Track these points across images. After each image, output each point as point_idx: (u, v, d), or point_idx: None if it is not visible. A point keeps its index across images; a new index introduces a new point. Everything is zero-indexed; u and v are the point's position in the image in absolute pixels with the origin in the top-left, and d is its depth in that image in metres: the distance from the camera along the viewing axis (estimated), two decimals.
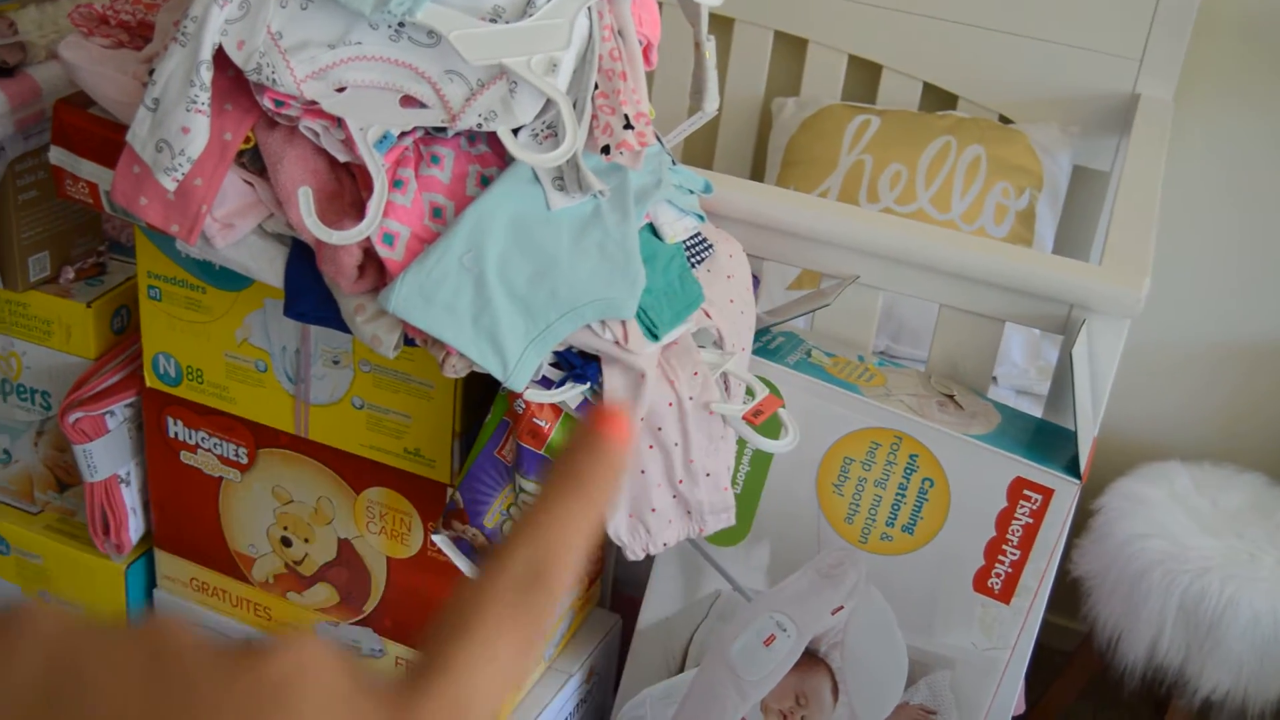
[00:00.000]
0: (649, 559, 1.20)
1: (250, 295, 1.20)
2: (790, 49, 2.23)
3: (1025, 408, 1.59)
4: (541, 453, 1.06)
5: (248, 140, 1.01)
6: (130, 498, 1.35)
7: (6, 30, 1.21)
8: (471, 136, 1.03)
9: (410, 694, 0.32)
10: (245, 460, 1.29)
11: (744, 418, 1.12)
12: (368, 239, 0.98)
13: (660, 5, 1.13)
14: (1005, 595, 1.22)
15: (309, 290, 1.06)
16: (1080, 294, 1.23)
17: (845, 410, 1.24)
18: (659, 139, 1.15)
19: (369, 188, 0.97)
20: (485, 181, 1.02)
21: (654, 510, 1.10)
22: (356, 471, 1.24)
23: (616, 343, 1.03)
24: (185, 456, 1.31)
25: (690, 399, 1.08)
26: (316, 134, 0.99)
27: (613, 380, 1.05)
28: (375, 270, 1.01)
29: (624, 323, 1.03)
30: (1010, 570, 1.21)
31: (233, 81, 1.00)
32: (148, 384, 1.29)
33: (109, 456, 1.31)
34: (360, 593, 1.30)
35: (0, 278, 1.30)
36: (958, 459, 1.22)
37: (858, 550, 1.26)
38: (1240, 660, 1.70)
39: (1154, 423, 2.21)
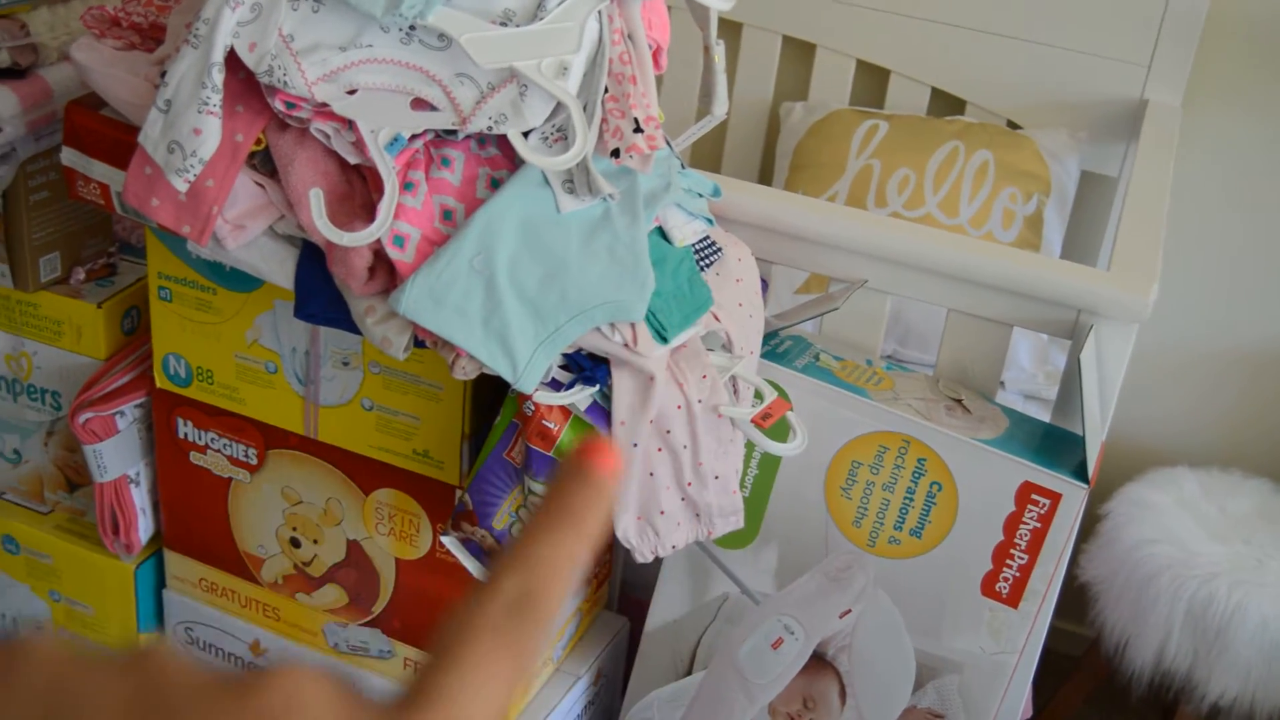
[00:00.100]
0: (657, 561, 1.21)
1: (260, 297, 1.20)
2: (798, 53, 2.23)
3: (1033, 412, 1.59)
4: (550, 454, 1.06)
5: (259, 142, 1.02)
6: (140, 498, 1.35)
7: (18, 32, 1.22)
8: (482, 139, 1.03)
9: (402, 718, 0.32)
10: (255, 461, 1.29)
11: (752, 421, 1.12)
12: (378, 241, 0.98)
13: (669, 9, 1.13)
14: (1013, 599, 1.22)
15: (319, 292, 1.06)
16: (1088, 299, 1.23)
17: (853, 414, 1.24)
18: (668, 143, 1.15)
19: (379, 190, 0.98)
20: (495, 184, 1.02)
21: (663, 513, 1.10)
22: (366, 473, 1.24)
23: (626, 345, 1.03)
24: (195, 457, 1.32)
25: (699, 402, 1.08)
26: (327, 136, 1.00)
27: (622, 383, 1.05)
28: (385, 272, 1.01)
29: (633, 325, 1.04)
30: (1018, 574, 1.21)
31: (244, 83, 1.00)
32: (158, 385, 1.29)
33: (119, 457, 1.31)
34: (369, 594, 1.30)
35: (11, 278, 1.30)
36: (966, 463, 1.22)
37: (866, 554, 1.26)
38: (1248, 665, 1.70)
39: (1161, 428, 2.21)
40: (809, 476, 1.27)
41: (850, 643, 1.27)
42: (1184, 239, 2.07)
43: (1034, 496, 1.20)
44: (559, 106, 0.99)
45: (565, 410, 1.06)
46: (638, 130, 1.00)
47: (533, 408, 1.06)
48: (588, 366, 1.06)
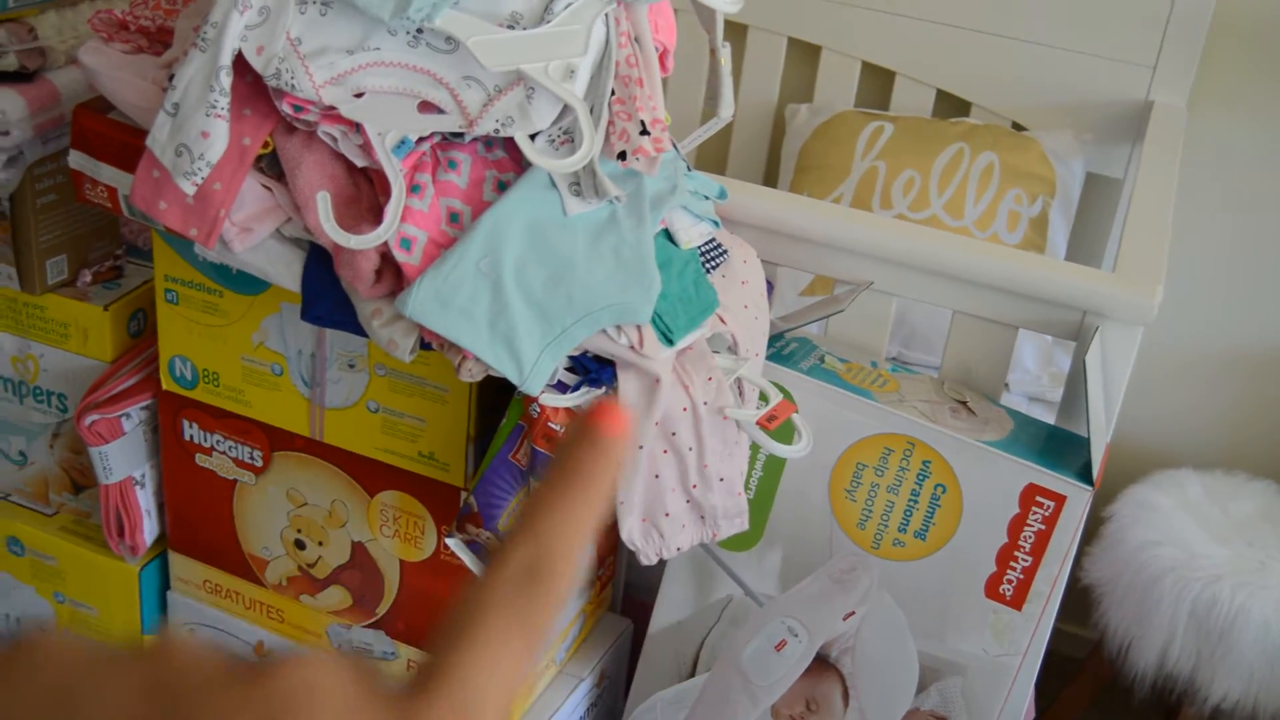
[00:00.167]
0: (661, 563, 1.21)
1: (266, 299, 1.20)
2: (803, 55, 2.23)
3: (1037, 414, 1.59)
4: None
5: (266, 145, 1.02)
6: (145, 500, 1.35)
7: (26, 35, 1.22)
8: (489, 142, 1.03)
9: (416, 700, 0.31)
10: (260, 463, 1.29)
11: (758, 423, 1.12)
12: (385, 244, 0.98)
13: (675, 11, 1.13)
14: (1017, 601, 1.22)
15: (326, 294, 1.07)
16: (1094, 301, 1.23)
17: (858, 416, 1.25)
18: (674, 145, 1.15)
19: (386, 193, 0.98)
20: (502, 187, 1.02)
21: (668, 515, 1.10)
22: (370, 475, 1.24)
23: (632, 347, 1.04)
24: (200, 459, 1.32)
25: (705, 404, 1.08)
26: (334, 139, 1.00)
27: (628, 385, 1.05)
28: (392, 275, 1.02)
29: (639, 328, 1.04)
30: (1022, 576, 1.21)
31: (251, 87, 1.00)
32: (164, 387, 1.30)
33: (124, 459, 1.32)
34: (373, 596, 1.30)
35: (18, 280, 1.31)
36: (970, 465, 1.22)
37: (870, 556, 1.26)
38: (1251, 668, 1.70)
39: (1165, 430, 2.21)
40: (813, 478, 1.27)
41: (854, 645, 1.28)
42: (1189, 240, 2.07)
43: (1038, 499, 1.20)
44: (566, 109, 0.99)
45: (571, 412, 1.07)
46: (644, 133, 1.00)
47: (539, 410, 1.06)
48: (594, 369, 1.06)
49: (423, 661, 0.33)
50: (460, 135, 1.01)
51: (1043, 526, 1.20)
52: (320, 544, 1.31)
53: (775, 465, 1.27)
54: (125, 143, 1.09)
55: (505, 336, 0.99)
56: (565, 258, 1.01)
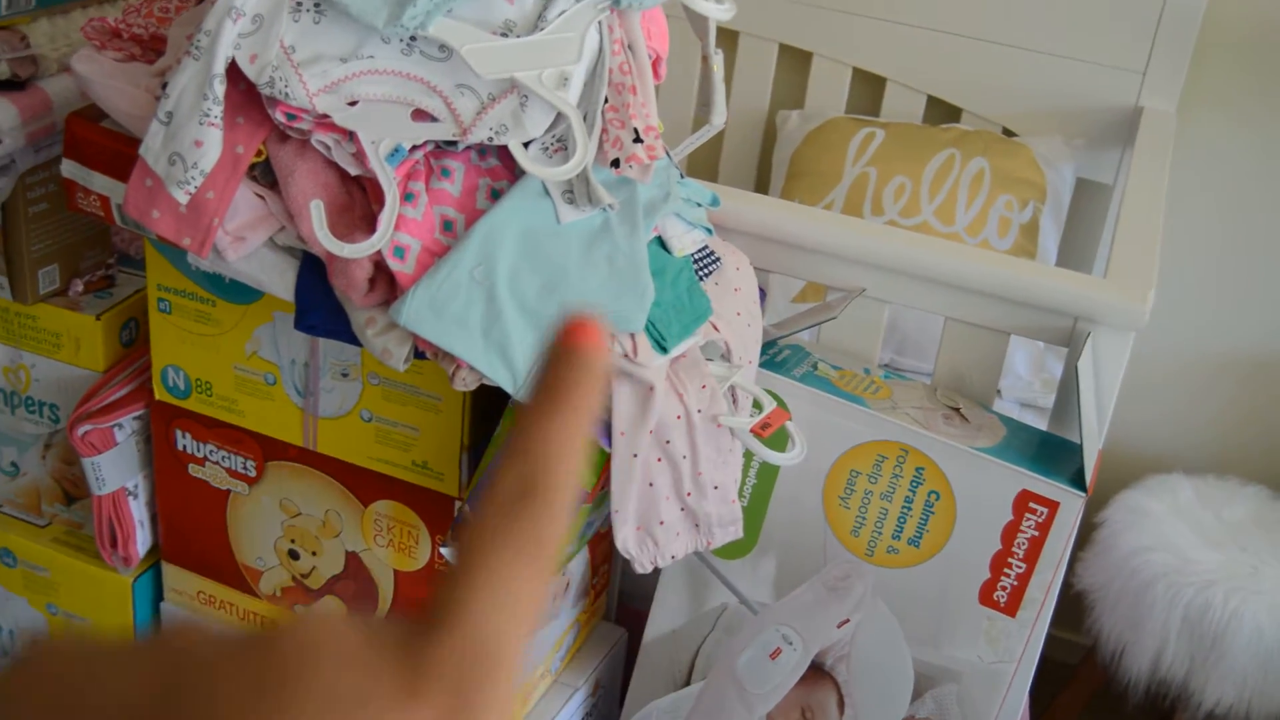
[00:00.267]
0: (655, 572, 1.21)
1: (260, 308, 1.20)
2: (794, 62, 2.24)
3: (1029, 420, 1.59)
4: None
5: (259, 153, 1.02)
6: (138, 510, 1.35)
7: (18, 43, 1.22)
8: (482, 150, 1.03)
9: (422, 645, 0.30)
10: (253, 473, 1.29)
11: (752, 430, 1.12)
12: (379, 252, 0.98)
13: (668, 18, 1.13)
14: (1011, 608, 1.22)
15: (320, 303, 1.06)
16: (1085, 307, 1.24)
17: (852, 423, 1.25)
18: (667, 153, 1.15)
19: (380, 201, 0.98)
20: (495, 195, 1.02)
21: (662, 523, 1.10)
22: (364, 484, 1.24)
23: (625, 355, 1.04)
24: (193, 469, 1.31)
25: (699, 412, 1.08)
26: (328, 147, 1.00)
27: (621, 393, 1.05)
28: (386, 283, 1.01)
29: (633, 335, 1.04)
30: (1016, 583, 1.22)
31: (245, 95, 1.00)
32: (156, 397, 1.29)
33: (117, 469, 1.31)
34: (367, 605, 1.30)
35: (10, 290, 1.30)
36: (964, 472, 1.22)
37: (864, 563, 1.26)
38: (1244, 673, 1.70)
39: (1157, 435, 2.22)
40: (807, 486, 1.27)
41: (848, 652, 1.28)
42: (1179, 246, 2.08)
43: (1032, 505, 1.20)
44: (559, 117, 0.99)
45: None
46: (637, 140, 1.00)
47: None
48: None
49: (428, 603, 0.31)
50: (454, 143, 1.01)
51: (1036, 533, 1.20)
52: (314, 554, 1.30)
53: (769, 473, 1.27)
54: (118, 151, 1.09)
55: (499, 345, 0.99)
56: (559, 266, 1.01)
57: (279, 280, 1.07)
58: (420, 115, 0.99)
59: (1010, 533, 1.21)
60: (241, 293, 1.19)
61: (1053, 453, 1.26)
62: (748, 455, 1.21)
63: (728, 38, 2.22)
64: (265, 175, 1.04)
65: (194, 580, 1.38)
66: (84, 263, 1.35)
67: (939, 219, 1.95)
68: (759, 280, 1.25)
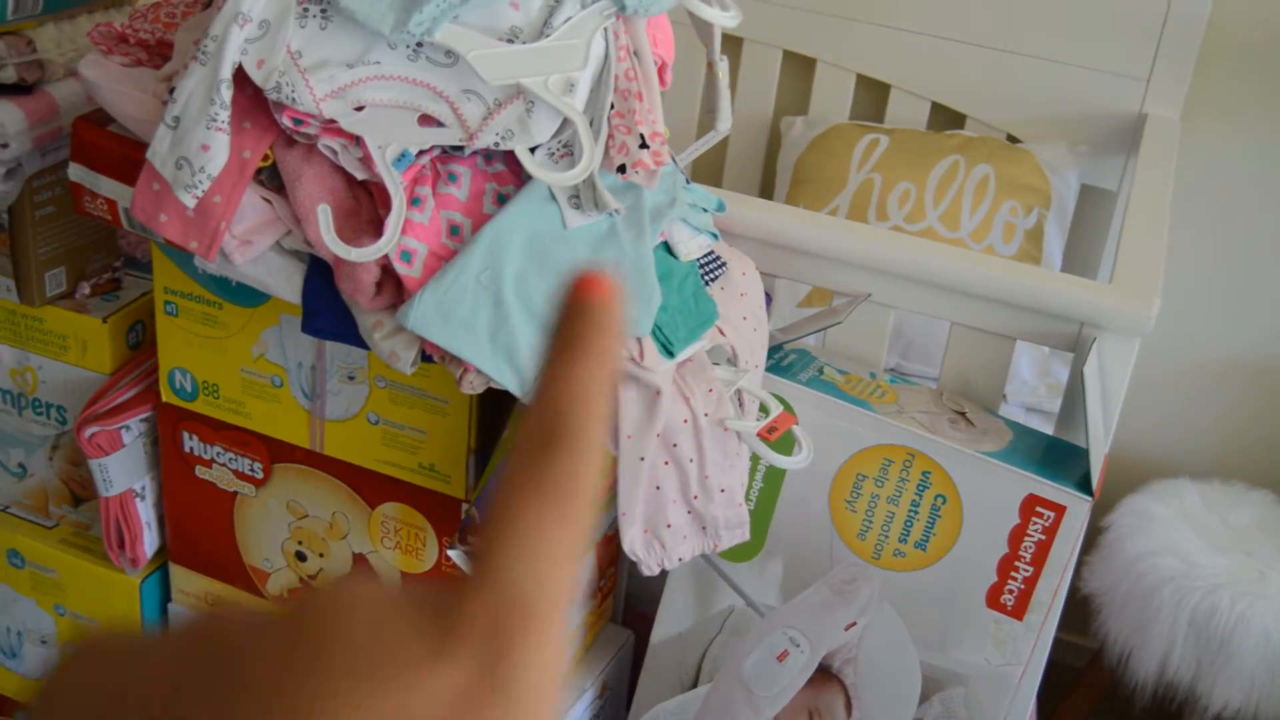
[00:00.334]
0: (662, 574, 1.21)
1: (266, 311, 1.20)
2: (799, 68, 2.24)
3: (1035, 425, 1.59)
4: None
5: (266, 158, 1.02)
6: (145, 512, 1.35)
7: (25, 48, 1.22)
8: (488, 155, 1.03)
9: (452, 600, 0.30)
10: (260, 475, 1.29)
11: (758, 434, 1.13)
12: (386, 256, 0.99)
13: (673, 25, 1.14)
14: (1018, 611, 1.22)
15: (326, 306, 1.07)
16: (1091, 312, 1.24)
17: (858, 427, 1.25)
18: (673, 158, 1.15)
19: (387, 205, 0.98)
20: (502, 200, 1.03)
21: (669, 526, 1.11)
22: (371, 486, 1.25)
23: (632, 360, 1.04)
24: (200, 471, 1.32)
25: (705, 416, 1.09)
26: (335, 152, 1.00)
27: (628, 397, 1.06)
28: (393, 287, 1.02)
29: (640, 340, 1.04)
30: (1023, 586, 1.22)
31: (252, 100, 1.01)
32: (163, 399, 1.30)
33: (124, 471, 1.32)
34: None
35: (17, 293, 1.31)
36: (970, 476, 1.22)
37: (871, 566, 1.26)
38: (1251, 677, 1.70)
39: (1162, 440, 2.22)
40: (814, 489, 1.27)
41: (856, 655, 1.28)
42: (1184, 251, 2.08)
43: (1038, 509, 1.20)
44: (565, 123, 1.00)
45: None
46: (643, 146, 1.01)
47: None
48: None
49: (464, 564, 0.31)
50: (460, 148, 1.01)
51: (1043, 536, 1.20)
52: (321, 556, 1.30)
53: (776, 476, 1.27)
54: (125, 155, 1.10)
55: (506, 349, 0.99)
56: (565, 270, 1.01)
57: (286, 284, 1.07)
58: (427, 120, 0.99)
59: (1017, 536, 1.21)
60: (248, 296, 1.19)
61: (1059, 457, 1.26)
62: (754, 459, 1.21)
63: (732, 44, 2.22)
64: (272, 179, 1.04)
65: (201, 581, 1.38)
66: (91, 266, 1.35)
67: (944, 225, 1.95)
68: (765, 285, 1.25)
